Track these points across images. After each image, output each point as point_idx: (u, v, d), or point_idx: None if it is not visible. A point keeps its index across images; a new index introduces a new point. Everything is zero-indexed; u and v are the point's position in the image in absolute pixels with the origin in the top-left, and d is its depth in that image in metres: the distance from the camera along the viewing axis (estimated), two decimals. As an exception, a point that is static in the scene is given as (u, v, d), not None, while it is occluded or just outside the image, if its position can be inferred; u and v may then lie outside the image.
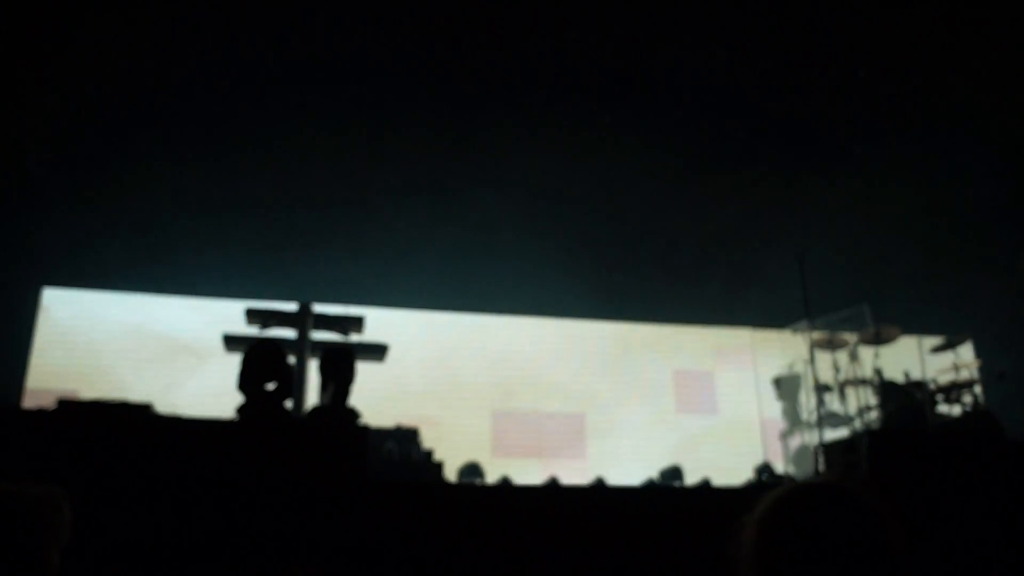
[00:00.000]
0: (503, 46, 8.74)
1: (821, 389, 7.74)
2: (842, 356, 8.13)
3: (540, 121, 9.27)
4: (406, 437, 5.93)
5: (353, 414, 4.93)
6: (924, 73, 9.10)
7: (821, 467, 5.47)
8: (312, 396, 7.92)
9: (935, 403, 7.33)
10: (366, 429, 4.67)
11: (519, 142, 9.28)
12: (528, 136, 9.29)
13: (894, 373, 7.75)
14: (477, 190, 9.45)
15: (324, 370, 5.06)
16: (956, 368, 7.60)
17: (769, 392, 9.40)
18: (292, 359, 5.89)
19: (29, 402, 8.41)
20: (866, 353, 7.97)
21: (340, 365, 5.02)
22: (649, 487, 7.19)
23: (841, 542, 1.34)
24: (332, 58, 8.73)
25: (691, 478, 8.25)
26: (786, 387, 8.87)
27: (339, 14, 8.26)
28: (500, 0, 8.37)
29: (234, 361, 6.78)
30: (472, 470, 7.25)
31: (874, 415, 7.59)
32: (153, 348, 9.21)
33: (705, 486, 7.50)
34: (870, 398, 7.73)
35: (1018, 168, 9.82)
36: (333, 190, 9.38)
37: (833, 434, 7.47)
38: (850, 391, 7.95)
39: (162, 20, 7.96)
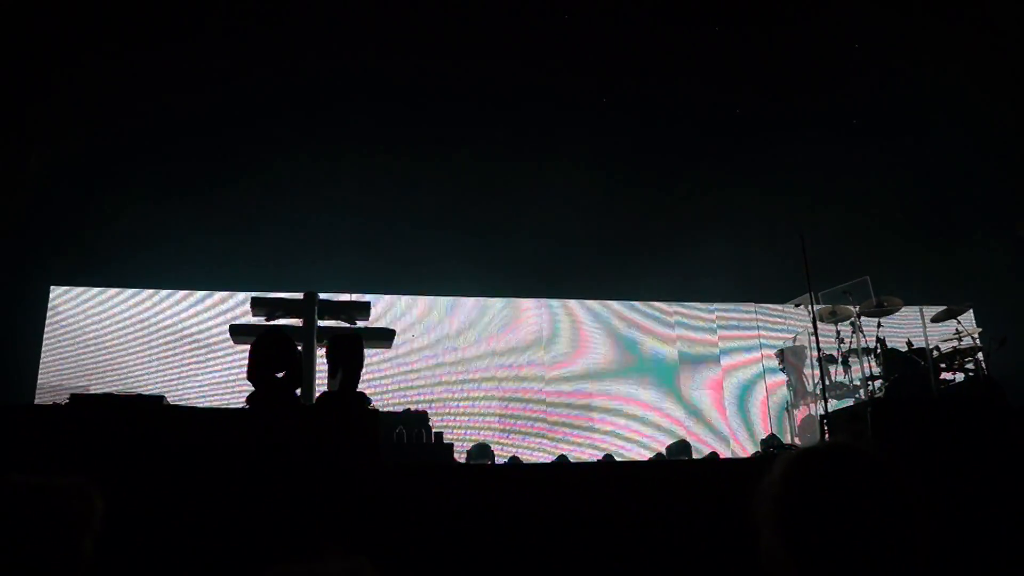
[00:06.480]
0: (500, 60, 8.88)
1: (825, 360, 7.78)
2: (845, 327, 8.17)
3: (530, 119, 9.41)
4: (415, 420, 5.97)
5: (363, 399, 4.96)
6: (916, 51, 9.15)
7: (827, 437, 5.51)
8: (320, 383, 7.97)
9: (938, 371, 7.37)
10: (376, 414, 4.70)
11: (509, 141, 9.40)
12: (516, 135, 9.42)
13: (897, 343, 7.79)
14: (475, 184, 9.56)
15: (332, 357, 5.05)
16: (958, 336, 7.64)
17: (773, 365, 9.46)
18: (300, 347, 5.92)
19: (41, 399, 8.49)
20: (869, 324, 8.01)
21: (348, 351, 5.03)
22: (658, 461, 7.26)
23: (860, 498, 1.39)
24: (327, 74, 8.91)
25: (698, 452, 8.31)
26: (790, 359, 8.90)
27: (331, 40, 8.47)
28: (480, 17, 8.51)
29: (242, 351, 6.85)
30: (482, 451, 7.31)
31: (878, 384, 7.64)
32: (161, 341, 9.27)
33: (713, 459, 7.59)
34: (874, 368, 7.77)
35: (1008, 140, 9.87)
36: (329, 188, 9.48)
37: (838, 404, 7.51)
38: (854, 361, 8.00)
39: (164, 31, 8.05)
